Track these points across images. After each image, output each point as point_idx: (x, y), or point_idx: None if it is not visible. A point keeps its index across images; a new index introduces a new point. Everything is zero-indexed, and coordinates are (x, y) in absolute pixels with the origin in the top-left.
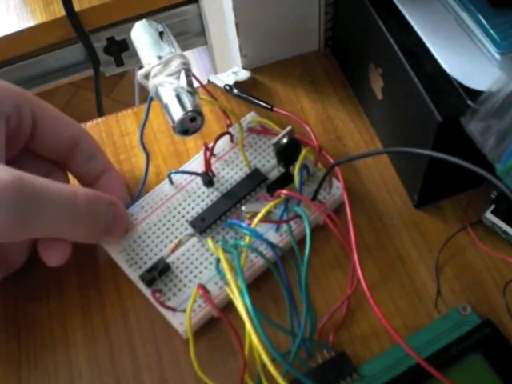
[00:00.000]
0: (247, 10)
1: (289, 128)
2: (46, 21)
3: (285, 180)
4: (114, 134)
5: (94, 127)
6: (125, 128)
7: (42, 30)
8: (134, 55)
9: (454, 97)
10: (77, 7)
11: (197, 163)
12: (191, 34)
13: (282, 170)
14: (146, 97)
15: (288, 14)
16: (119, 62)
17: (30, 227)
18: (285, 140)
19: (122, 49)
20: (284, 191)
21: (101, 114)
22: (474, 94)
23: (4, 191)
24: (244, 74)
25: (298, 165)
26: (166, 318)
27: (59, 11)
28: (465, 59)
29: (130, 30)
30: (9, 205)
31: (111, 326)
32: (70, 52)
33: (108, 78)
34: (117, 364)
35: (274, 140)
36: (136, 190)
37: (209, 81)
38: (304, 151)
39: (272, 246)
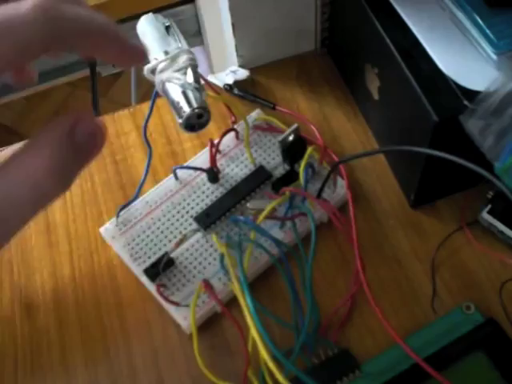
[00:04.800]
0: (243, 10)
1: (295, 126)
2: None
3: (290, 178)
4: (111, 135)
5: None
6: (121, 128)
7: None
8: None
9: (451, 97)
10: None
11: (202, 159)
12: (187, 34)
13: (287, 167)
14: (143, 97)
15: (284, 14)
16: None
17: None
18: (291, 138)
19: None
20: (290, 188)
21: (97, 114)
22: (471, 93)
23: None
24: (243, 73)
25: (303, 163)
26: (163, 318)
27: None
28: (461, 59)
29: (125, 29)
30: None
31: (108, 328)
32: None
33: (104, 78)
34: (113, 364)
35: (280, 138)
36: (132, 190)
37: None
38: (309, 149)
39: (277, 242)
